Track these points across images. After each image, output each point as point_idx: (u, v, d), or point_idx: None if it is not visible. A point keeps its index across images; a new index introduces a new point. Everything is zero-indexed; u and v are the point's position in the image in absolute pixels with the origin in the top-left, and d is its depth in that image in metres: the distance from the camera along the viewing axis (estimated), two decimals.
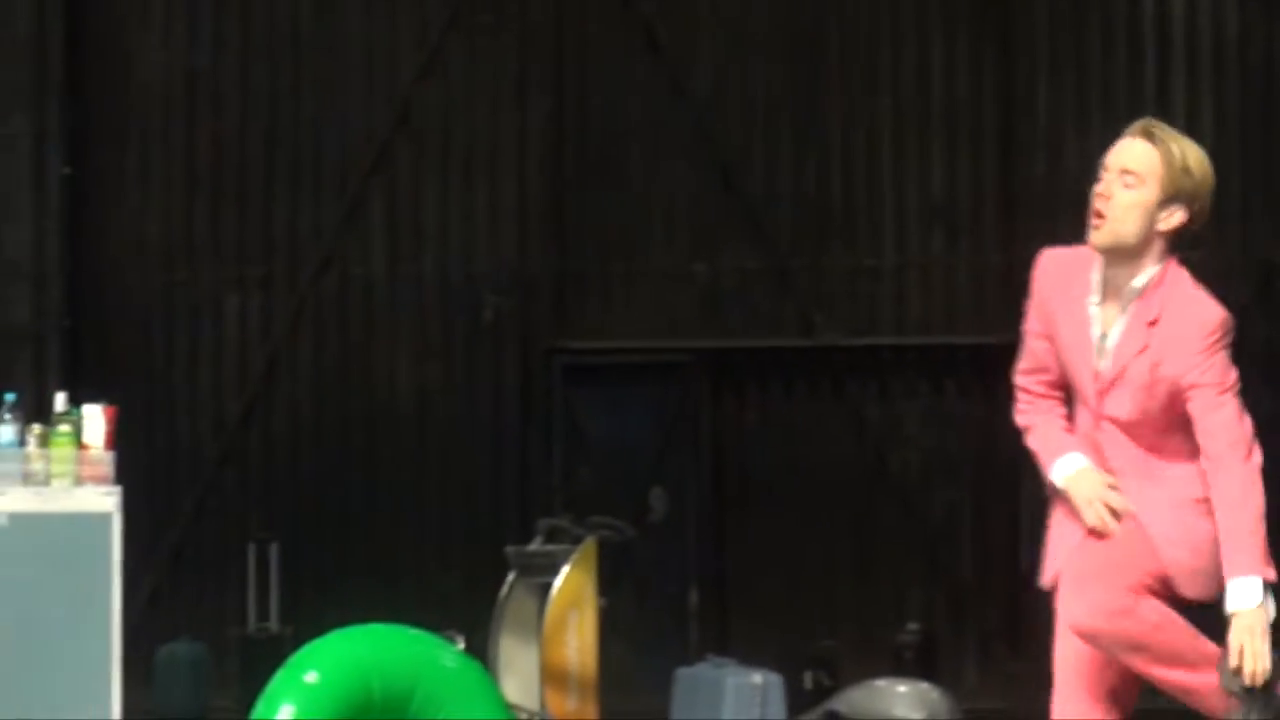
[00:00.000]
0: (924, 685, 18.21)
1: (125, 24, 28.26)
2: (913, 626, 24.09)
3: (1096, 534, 9.42)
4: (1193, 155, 9.43)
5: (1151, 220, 9.33)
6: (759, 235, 26.99)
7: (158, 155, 28.06)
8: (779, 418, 27.18)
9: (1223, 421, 9.31)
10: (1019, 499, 25.53)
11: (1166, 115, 25.56)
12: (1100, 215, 9.34)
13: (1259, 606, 9.25)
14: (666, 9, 27.09)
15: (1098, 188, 9.38)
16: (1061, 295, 9.57)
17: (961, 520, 26.42)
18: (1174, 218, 9.35)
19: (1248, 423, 9.35)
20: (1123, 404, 9.44)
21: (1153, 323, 9.34)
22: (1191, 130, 10.14)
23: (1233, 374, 9.34)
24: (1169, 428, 9.44)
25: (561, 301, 27.46)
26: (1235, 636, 9.22)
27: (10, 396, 16.27)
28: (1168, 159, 9.37)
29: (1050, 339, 9.63)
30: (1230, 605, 9.24)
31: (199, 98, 28.08)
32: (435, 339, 27.57)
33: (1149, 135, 9.45)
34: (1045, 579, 9.72)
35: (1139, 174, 9.34)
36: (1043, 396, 9.75)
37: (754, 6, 27.21)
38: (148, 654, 18.69)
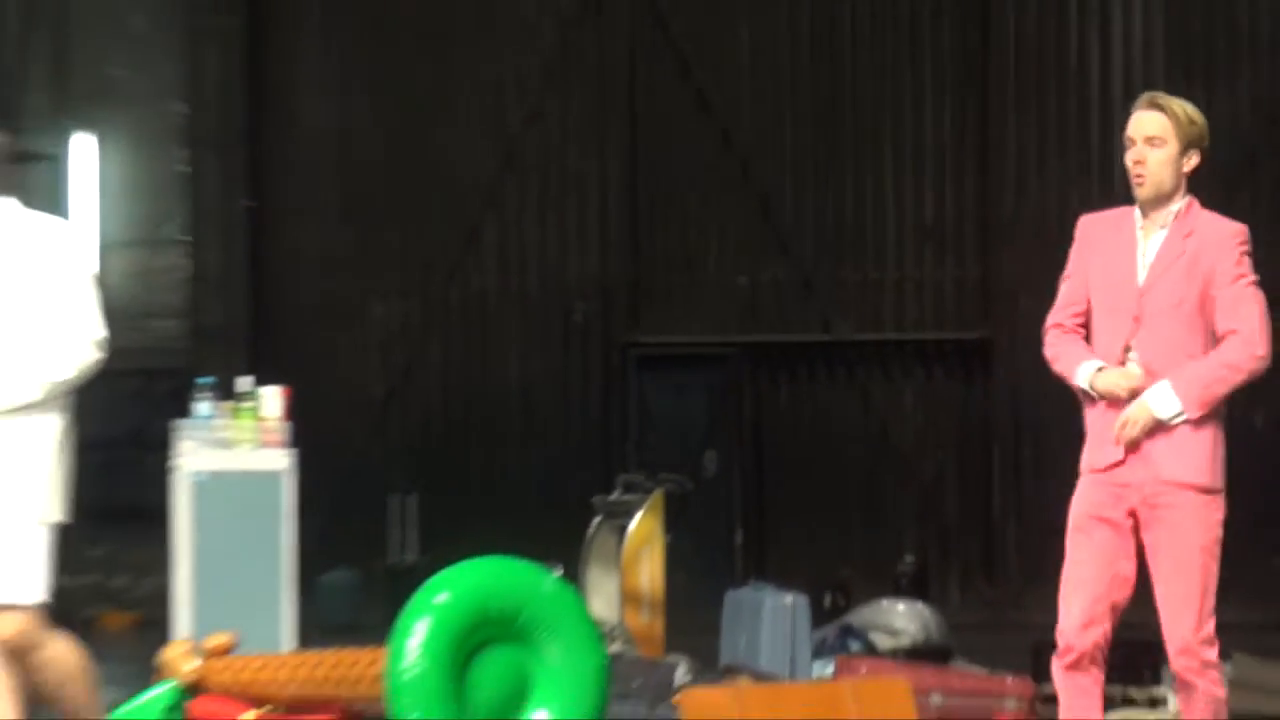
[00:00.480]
0: (918, 604, 18.25)
1: (293, 85, 28.34)
2: (909, 559, 24.19)
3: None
4: (1192, 110, 9.80)
5: (1178, 168, 9.71)
6: (788, 254, 26.95)
7: (318, 190, 28.13)
8: (803, 397, 27.18)
9: (1247, 313, 9.58)
10: (991, 460, 25.92)
11: (1108, 158, 25.80)
12: (1140, 176, 9.67)
13: (1159, 415, 9.48)
14: (717, 78, 27.06)
15: (1131, 154, 9.75)
16: (1106, 238, 9.90)
17: (946, 477, 26.32)
18: (1192, 161, 9.74)
19: (1266, 318, 9.63)
20: (1162, 297, 9.61)
21: (1188, 235, 9.66)
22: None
23: (1252, 272, 9.66)
24: (1192, 324, 9.62)
25: (635, 306, 27.47)
26: (1132, 411, 9.53)
27: (207, 380, 16.62)
28: (1176, 119, 9.71)
29: (1086, 277, 9.87)
30: (1149, 395, 9.48)
31: (349, 143, 28.12)
32: (536, 336, 27.53)
33: (1157, 105, 9.81)
34: (1084, 467, 9.79)
35: (1160, 136, 9.68)
36: (1071, 330, 9.91)
37: (784, 76, 27.18)
38: (312, 580, 18.92)
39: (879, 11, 27.20)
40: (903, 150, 27.15)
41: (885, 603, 18.38)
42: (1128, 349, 9.68)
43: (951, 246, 26.79)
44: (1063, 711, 10.03)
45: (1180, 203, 9.75)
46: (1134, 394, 9.55)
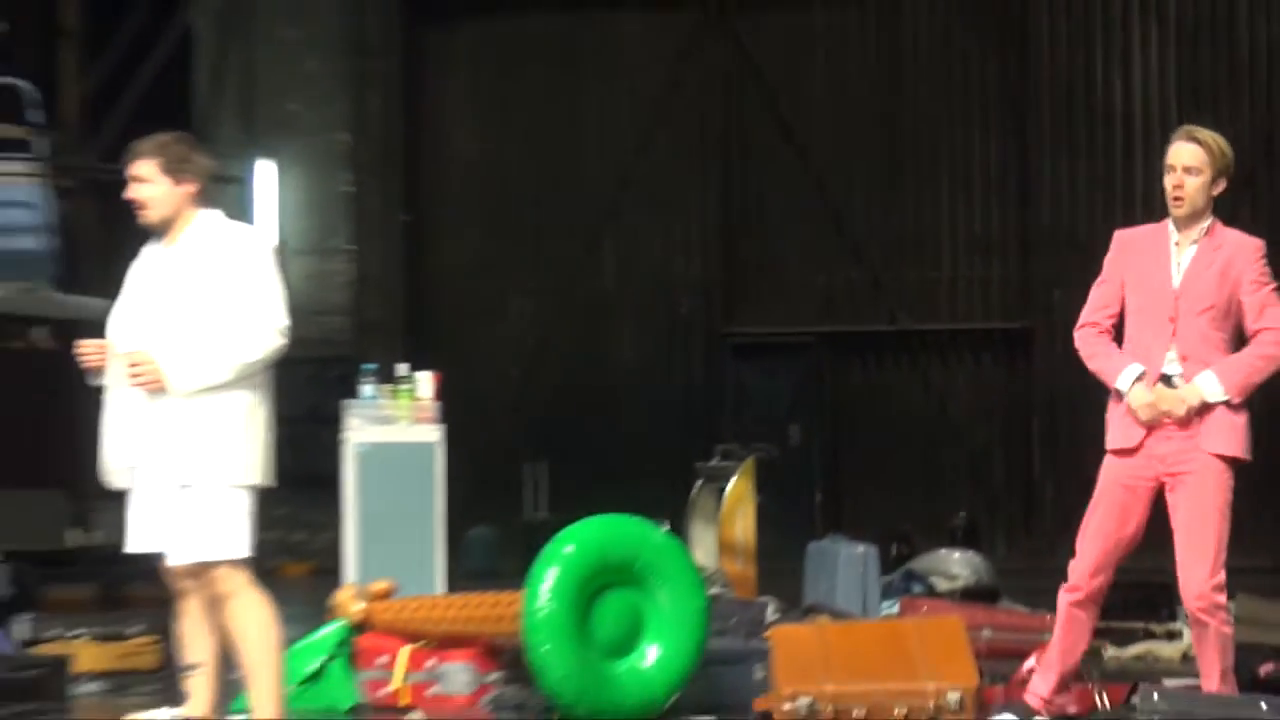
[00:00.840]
0: (970, 553, 18.19)
1: (442, 116, 28.44)
2: (962, 515, 24.05)
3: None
4: (1224, 143, 9.79)
5: (1209, 192, 9.72)
6: (860, 258, 26.97)
7: (464, 205, 28.22)
8: (872, 378, 27.09)
9: (1274, 313, 9.67)
10: (1031, 432, 25.87)
11: (1128, 176, 25.74)
12: (1179, 197, 9.66)
13: (1208, 398, 9.55)
14: (796, 109, 27.01)
15: (1170, 179, 9.70)
16: (1143, 249, 9.89)
17: (993, 446, 26.26)
18: (1220, 186, 9.76)
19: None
20: (1198, 299, 9.64)
21: (1217, 248, 9.69)
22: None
23: (1274, 280, 9.73)
24: (1221, 323, 9.67)
25: (730, 302, 27.45)
26: (1185, 391, 9.58)
27: (370, 366, 16.67)
28: (1210, 151, 9.72)
29: (1121, 283, 9.87)
30: (1200, 380, 9.56)
31: (490, 166, 28.17)
32: (646, 327, 27.53)
33: (1195, 139, 9.79)
34: (1111, 445, 9.81)
35: (1196, 166, 9.67)
36: (1104, 330, 9.92)
37: (854, 106, 27.13)
38: (459, 534, 18.99)
39: (935, 50, 27.13)
40: (955, 169, 27.10)
41: (942, 552, 18.36)
42: (1169, 351, 9.71)
43: (997, 251, 26.75)
44: (1058, 633, 10.11)
45: (1209, 220, 9.78)
46: (1153, 417, 9.60)
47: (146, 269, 9.54)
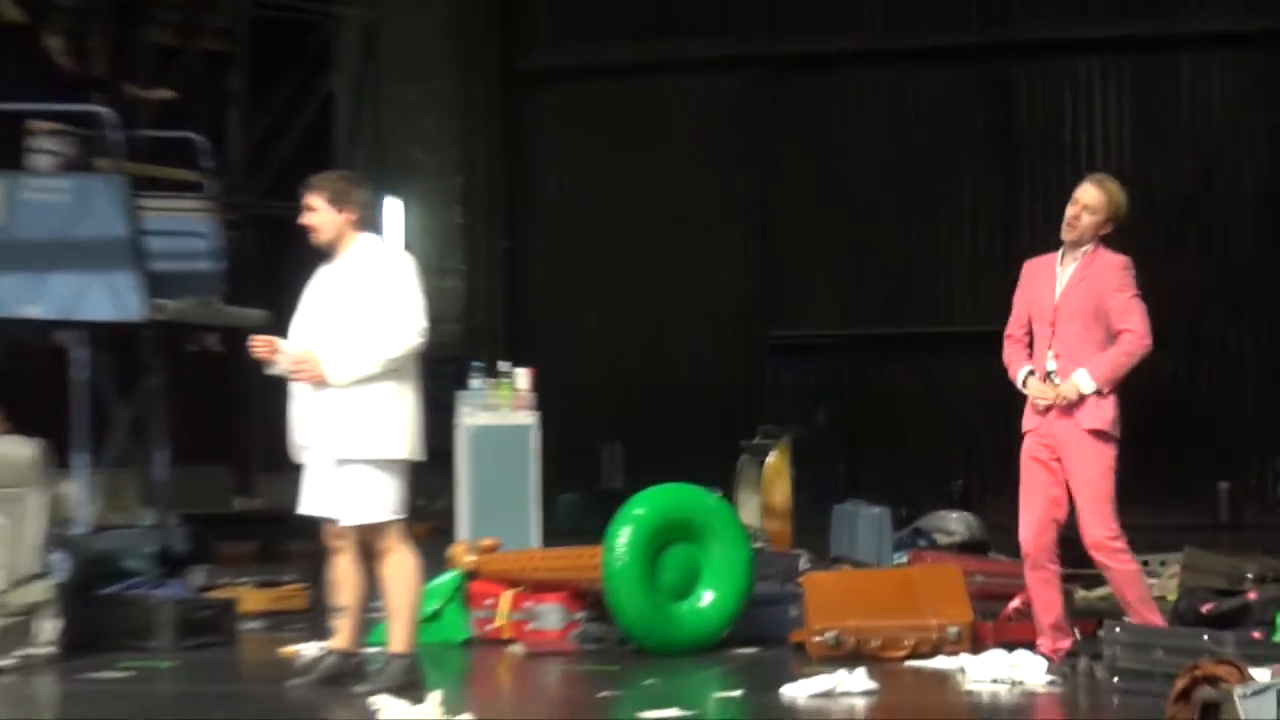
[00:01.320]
0: (965, 513, 18.14)
1: (537, 164, 28.42)
2: (958, 483, 24.07)
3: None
4: (1118, 194, 9.84)
5: (1097, 229, 9.76)
6: (874, 275, 26.89)
7: (554, 235, 28.22)
8: (886, 371, 26.98)
9: (1134, 318, 9.77)
10: (1011, 415, 25.79)
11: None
12: (1073, 226, 9.73)
13: (1084, 391, 9.65)
14: (827, 155, 26.91)
15: (1071, 210, 9.77)
16: (1039, 272, 9.94)
17: (982, 427, 25.93)
18: (1107, 229, 9.81)
19: (1147, 319, 9.78)
20: (1071, 308, 9.72)
21: (1088, 265, 9.75)
22: None
23: (1135, 289, 9.80)
24: (1092, 327, 9.74)
25: (769, 311, 27.39)
26: (1064, 388, 9.68)
27: (478, 364, 16.68)
28: (1107, 198, 9.77)
29: (1029, 301, 9.92)
30: (1077, 377, 9.65)
31: (577, 204, 28.11)
32: (700, 332, 27.46)
33: (1098, 184, 9.87)
34: (1022, 426, 9.95)
35: (1092, 206, 9.72)
36: (1018, 341, 9.99)
37: (872, 150, 27.01)
38: (551, 500, 18.94)
39: (936, 107, 27.03)
40: (953, 204, 27.01)
41: (942, 513, 18.21)
42: (1049, 351, 9.86)
43: (985, 269, 26.55)
44: (1030, 597, 10.19)
45: (1089, 247, 9.84)
46: (1045, 404, 9.75)
47: (318, 283, 9.75)
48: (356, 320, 9.48)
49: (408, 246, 27.55)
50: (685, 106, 27.87)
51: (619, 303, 27.86)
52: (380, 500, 9.50)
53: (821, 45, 27.17)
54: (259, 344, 9.61)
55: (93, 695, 9.91)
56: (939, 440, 26.21)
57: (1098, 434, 9.74)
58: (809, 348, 27.02)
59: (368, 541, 9.58)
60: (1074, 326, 9.79)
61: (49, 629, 10.95)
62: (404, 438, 9.54)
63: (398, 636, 9.58)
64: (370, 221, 9.82)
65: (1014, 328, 10.09)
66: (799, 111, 27.43)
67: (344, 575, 9.73)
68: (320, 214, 9.65)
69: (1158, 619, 9.88)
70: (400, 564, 9.58)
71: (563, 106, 28.43)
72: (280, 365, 9.62)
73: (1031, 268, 10.11)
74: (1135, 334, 9.78)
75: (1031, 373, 9.87)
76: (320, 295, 9.70)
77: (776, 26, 27.41)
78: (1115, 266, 9.84)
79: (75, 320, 16.08)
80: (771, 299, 27.50)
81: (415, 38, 28.04)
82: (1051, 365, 9.81)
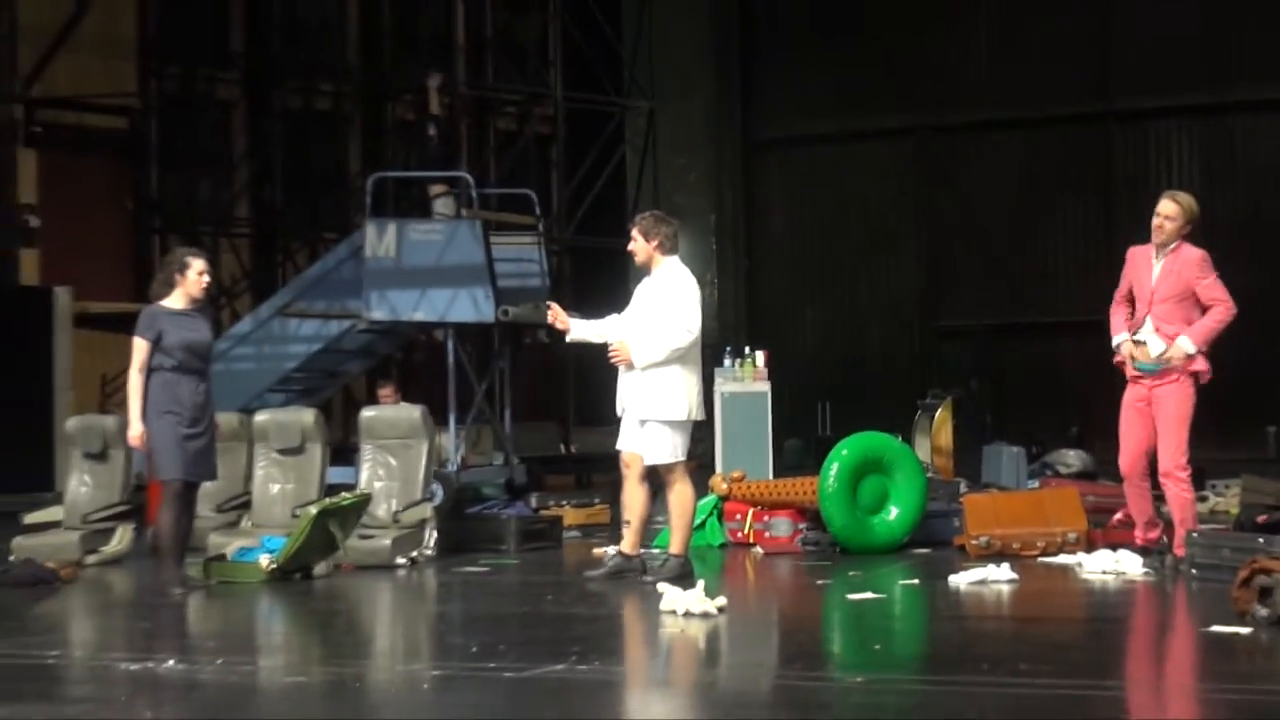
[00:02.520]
0: (1079, 450, 17.94)
1: (766, 203, 28.33)
2: (1073, 429, 23.58)
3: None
4: (1190, 203, 9.40)
5: (1179, 231, 9.32)
6: (1007, 280, 26.60)
7: (779, 255, 28.05)
8: (1020, 350, 26.51)
9: (1219, 292, 9.37)
10: (1112, 380, 25.19)
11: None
12: (1159, 231, 9.31)
13: (1188, 351, 9.25)
14: (969, 200, 26.67)
15: (1155, 220, 9.37)
16: (1139, 259, 9.49)
17: (1092, 388, 25.53)
18: (1186, 229, 9.35)
19: (1227, 292, 9.40)
20: (1164, 292, 9.31)
21: (1175, 259, 9.30)
22: None
23: (1214, 272, 9.40)
24: (1180, 306, 9.32)
25: (935, 307, 27.09)
26: (1172, 351, 9.26)
27: (729, 348, 16.67)
28: (1180, 209, 9.33)
29: (1131, 280, 9.51)
30: (1181, 340, 9.24)
31: (793, 231, 28.03)
32: (887, 323, 27.09)
33: (1172, 197, 9.46)
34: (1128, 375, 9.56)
35: (1171, 215, 9.31)
36: (1121, 304, 9.61)
37: (1000, 200, 26.70)
38: (780, 445, 18.76)
39: (1050, 155, 26.54)
40: (1067, 225, 26.43)
41: (1063, 450, 18.09)
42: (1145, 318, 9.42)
43: (1089, 275, 25.96)
44: (1129, 503, 9.86)
45: (1174, 245, 9.39)
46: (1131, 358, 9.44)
47: (637, 291, 9.97)
48: (654, 321, 9.60)
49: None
50: (872, 162, 27.68)
51: (827, 303, 27.68)
52: (670, 448, 9.57)
53: (968, 117, 26.89)
54: (554, 313, 10.01)
55: (462, 583, 10.06)
56: (1058, 397, 25.64)
57: (1182, 382, 9.34)
58: (964, 333, 26.65)
59: (659, 474, 9.65)
60: (1166, 306, 9.35)
61: (431, 538, 11.11)
62: (685, 404, 9.57)
63: (676, 541, 9.65)
64: (672, 248, 9.89)
65: (1120, 296, 9.67)
66: (952, 165, 27.14)
67: (631, 496, 9.76)
68: (637, 243, 9.87)
69: None
70: (680, 493, 9.64)
71: (785, 164, 28.33)
72: (573, 334, 9.98)
73: (1134, 254, 9.63)
74: (1223, 304, 9.37)
75: (1127, 338, 9.47)
76: (636, 300, 9.85)
77: (938, 105, 27.17)
78: (1196, 260, 9.38)
79: (447, 322, 16.33)
80: (935, 298, 27.08)
81: (682, 120, 28.13)
82: (1145, 335, 9.37)
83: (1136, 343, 9.47)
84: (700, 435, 25.79)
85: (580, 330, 10.00)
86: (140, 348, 9.47)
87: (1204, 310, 9.42)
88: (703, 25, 28.37)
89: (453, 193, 17.22)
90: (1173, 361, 9.33)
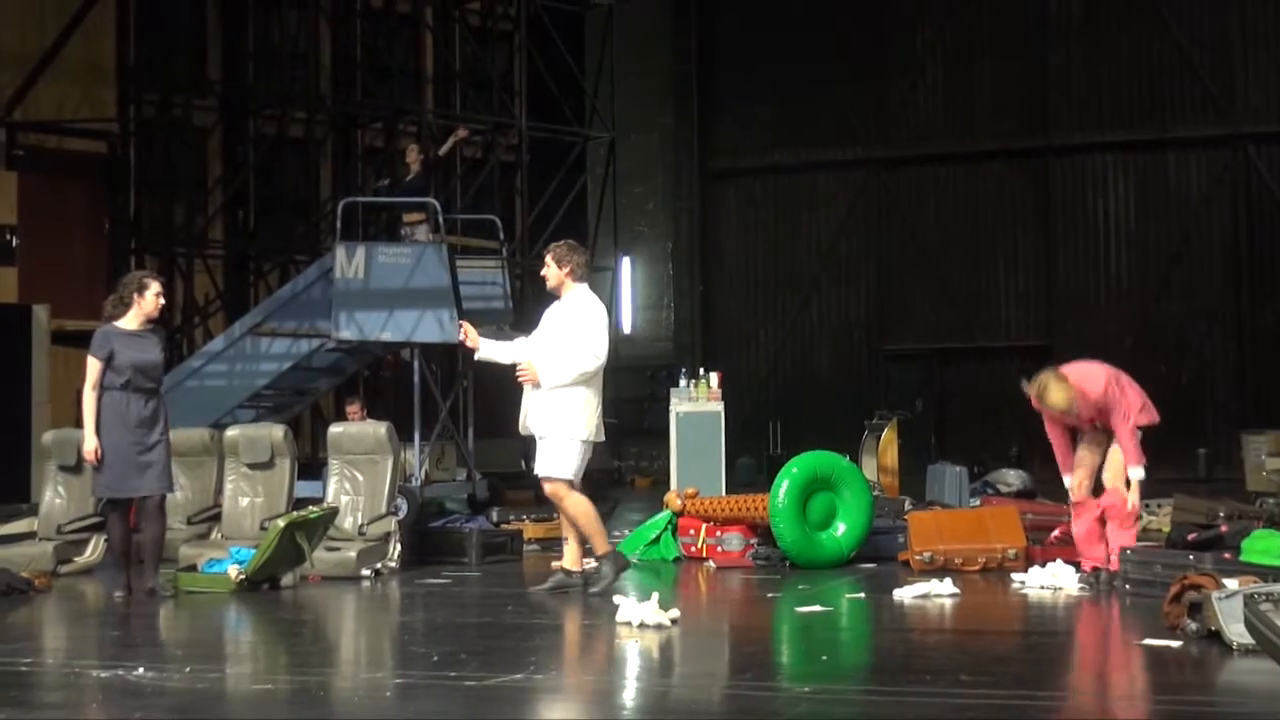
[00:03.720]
0: (1019, 470, 17.92)
1: (718, 232, 28.45)
2: (1014, 450, 23.68)
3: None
4: (1065, 390, 9.13)
5: (1075, 409, 9.17)
6: (953, 304, 26.69)
7: (733, 280, 28.21)
8: (962, 372, 26.73)
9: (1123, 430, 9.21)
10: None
11: (1107, 263, 25.00)
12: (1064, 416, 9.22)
13: (1137, 480, 9.20)
14: (916, 226, 26.75)
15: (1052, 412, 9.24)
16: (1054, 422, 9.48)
17: (1033, 411, 25.79)
18: (1080, 401, 9.12)
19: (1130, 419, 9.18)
20: (1090, 422, 9.33)
21: (1085, 402, 9.16)
22: None
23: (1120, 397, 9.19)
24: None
25: (883, 331, 27.22)
26: (1133, 493, 9.23)
27: (683, 369, 16.61)
28: (1066, 400, 9.12)
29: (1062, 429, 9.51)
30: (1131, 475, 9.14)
31: (746, 259, 28.16)
32: (837, 346, 27.40)
33: (1041, 389, 9.25)
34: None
35: (1064, 411, 9.25)
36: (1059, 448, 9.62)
37: (948, 225, 26.83)
38: (733, 462, 18.81)
39: (992, 187, 26.75)
40: (1009, 254, 26.72)
41: (1003, 470, 18.05)
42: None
43: (1032, 301, 26.27)
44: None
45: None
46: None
47: (547, 315, 9.71)
48: (562, 344, 9.44)
49: (635, 290, 27.93)
50: (823, 192, 27.93)
51: (779, 325, 27.88)
52: (563, 463, 9.43)
53: (917, 150, 27.20)
54: (464, 332, 9.83)
55: (425, 594, 9.98)
56: (999, 419, 25.79)
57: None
58: (909, 356, 26.87)
59: (570, 489, 9.52)
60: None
61: (395, 550, 11.04)
62: (586, 424, 9.45)
63: (596, 544, 9.54)
64: (583, 276, 9.65)
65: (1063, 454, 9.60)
66: (900, 195, 27.37)
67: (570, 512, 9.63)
68: (550, 269, 9.62)
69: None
70: (575, 502, 9.50)
71: (740, 193, 28.54)
72: (481, 352, 9.79)
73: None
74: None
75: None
76: (545, 323, 9.67)
77: (886, 139, 27.36)
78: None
79: (413, 342, 16.26)
80: (883, 323, 27.34)
81: (641, 150, 28.26)
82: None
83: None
84: (655, 453, 25.81)
85: (488, 349, 9.83)
86: (93, 366, 9.54)
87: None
88: (662, 60, 28.49)
89: (427, 221, 17.18)
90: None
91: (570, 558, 9.66)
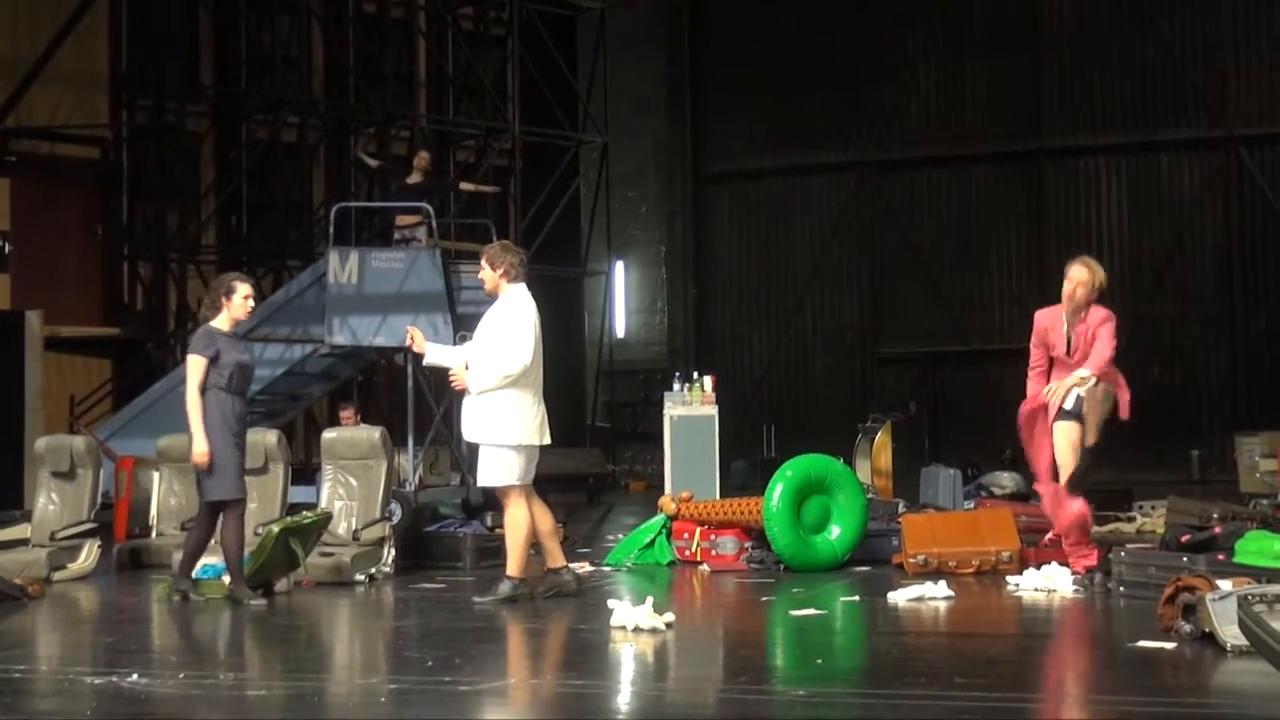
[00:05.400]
0: (1013, 473, 17.92)
1: (711, 238, 28.47)
2: (1008, 451, 23.61)
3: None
4: (1100, 271, 9.39)
5: (1088, 299, 9.29)
6: (947, 308, 26.73)
7: (726, 284, 28.26)
8: (955, 375, 26.82)
9: (1103, 341, 9.28)
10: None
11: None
12: (1070, 298, 9.32)
13: (1084, 379, 9.25)
14: (910, 226, 26.81)
15: (1066, 288, 9.35)
16: (1051, 322, 9.52)
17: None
18: (1094, 294, 9.31)
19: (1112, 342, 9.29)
20: (1080, 356, 9.31)
21: (1084, 323, 9.33)
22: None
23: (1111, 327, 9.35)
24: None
25: (877, 334, 27.27)
26: (1068, 382, 9.32)
27: (677, 373, 16.61)
28: (1090, 274, 9.32)
29: (1044, 343, 9.55)
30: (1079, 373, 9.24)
31: (739, 264, 28.20)
32: (831, 349, 27.44)
33: (1084, 263, 9.41)
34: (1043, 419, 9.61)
35: (1083, 282, 9.32)
36: (1036, 365, 9.62)
37: (939, 228, 26.88)
38: (727, 466, 18.83)
39: (987, 190, 26.80)
40: (1002, 257, 26.74)
41: (997, 472, 18.10)
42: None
43: (1023, 303, 26.25)
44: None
45: (1084, 310, 9.42)
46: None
47: (484, 318, 9.54)
48: (492, 347, 9.27)
49: (628, 294, 27.99)
50: (817, 195, 27.93)
51: (773, 329, 27.89)
52: (501, 471, 9.27)
53: (910, 153, 27.23)
54: (411, 337, 9.65)
55: (419, 599, 9.96)
56: (993, 422, 25.68)
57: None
58: (903, 359, 26.90)
59: (517, 496, 9.36)
60: (1077, 357, 9.41)
61: (389, 555, 11.02)
62: (518, 429, 9.25)
63: (511, 563, 9.34)
64: (518, 277, 9.45)
65: (1039, 368, 9.68)
66: (893, 198, 27.39)
67: (522, 520, 9.44)
68: (484, 271, 9.45)
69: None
70: (513, 516, 9.33)
71: (733, 197, 28.56)
72: (429, 358, 9.64)
73: (1042, 319, 9.64)
74: (1104, 348, 9.40)
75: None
76: (481, 327, 9.48)
77: (879, 141, 27.39)
78: (1101, 317, 9.42)
79: (407, 347, 16.23)
80: (877, 325, 27.37)
81: (634, 154, 28.28)
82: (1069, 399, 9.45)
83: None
84: (649, 457, 25.75)
85: (435, 355, 9.65)
86: (198, 366, 9.38)
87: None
88: (655, 64, 28.51)
89: (424, 223, 17.18)
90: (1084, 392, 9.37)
91: (552, 557, 9.58)
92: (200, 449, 9.31)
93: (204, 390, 9.35)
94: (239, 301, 9.55)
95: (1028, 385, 9.75)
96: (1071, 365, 9.42)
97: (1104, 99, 26.17)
